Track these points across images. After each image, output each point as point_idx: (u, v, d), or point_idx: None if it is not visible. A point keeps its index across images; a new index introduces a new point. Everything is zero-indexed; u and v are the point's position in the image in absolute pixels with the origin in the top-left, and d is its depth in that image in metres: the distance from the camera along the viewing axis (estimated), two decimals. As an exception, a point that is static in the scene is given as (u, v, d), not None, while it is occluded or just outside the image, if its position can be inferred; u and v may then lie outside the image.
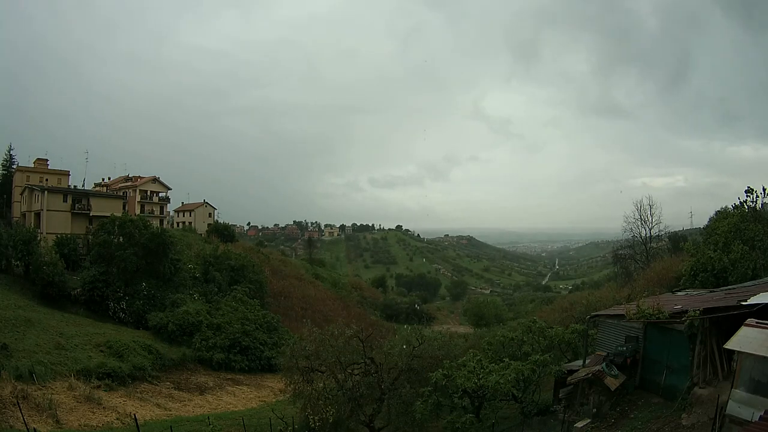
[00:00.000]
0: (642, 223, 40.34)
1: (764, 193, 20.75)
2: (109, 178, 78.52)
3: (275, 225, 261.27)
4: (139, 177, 74.11)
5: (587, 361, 15.12)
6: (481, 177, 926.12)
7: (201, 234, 71.54)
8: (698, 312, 11.55)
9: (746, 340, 9.17)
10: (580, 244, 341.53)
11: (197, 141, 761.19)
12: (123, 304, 38.86)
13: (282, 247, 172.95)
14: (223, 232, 72.22)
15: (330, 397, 17.57)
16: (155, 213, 69.10)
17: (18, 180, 61.12)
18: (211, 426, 18.93)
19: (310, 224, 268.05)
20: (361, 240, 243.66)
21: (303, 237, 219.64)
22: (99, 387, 23.90)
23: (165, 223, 70.63)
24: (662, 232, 42.08)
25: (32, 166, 63.98)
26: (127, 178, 75.39)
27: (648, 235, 40.60)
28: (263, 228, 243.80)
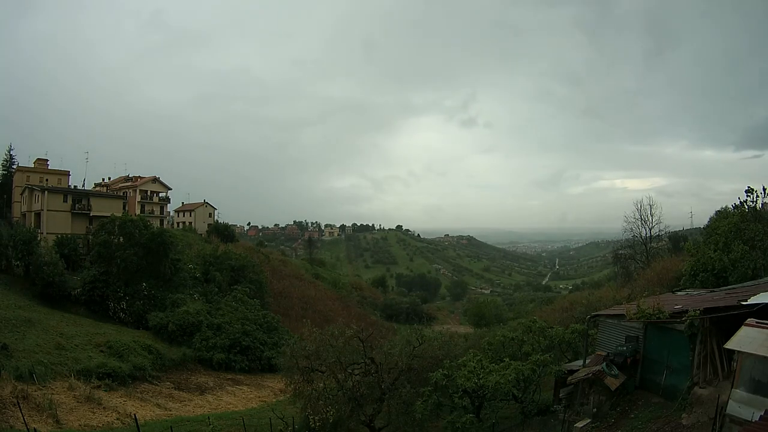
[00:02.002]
0: (642, 223, 40.38)
1: (764, 192, 20.74)
2: (109, 178, 78.61)
3: (275, 225, 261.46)
4: (140, 177, 74.11)
5: (587, 361, 15.11)
6: (468, 179, 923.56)
7: (201, 234, 71.61)
8: (698, 312, 11.54)
9: (746, 339, 9.16)
10: (580, 244, 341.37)
11: (197, 142, 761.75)
12: (123, 304, 38.88)
13: (282, 247, 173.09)
14: (223, 232, 72.31)
15: (330, 397, 17.56)
16: (155, 213, 69.09)
17: (18, 180, 61.13)
18: (212, 426, 18.99)
19: (310, 224, 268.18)
20: (362, 240, 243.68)
21: (303, 237, 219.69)
22: (99, 387, 23.90)
23: (165, 223, 70.63)
24: (662, 232, 42.11)
25: (32, 166, 64.02)
26: (128, 178, 75.37)
27: (648, 235, 40.61)
28: (263, 228, 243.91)
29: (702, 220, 56.25)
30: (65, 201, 54.41)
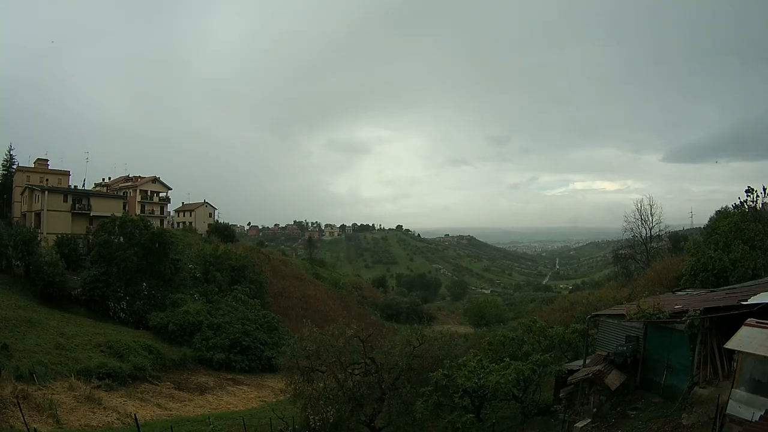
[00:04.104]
0: (642, 223, 40.37)
1: (764, 192, 20.75)
2: (109, 178, 78.57)
3: (276, 225, 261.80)
4: (140, 177, 74.13)
5: (588, 361, 15.10)
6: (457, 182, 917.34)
7: (201, 234, 71.59)
8: (698, 312, 11.53)
9: (746, 339, 9.15)
10: (580, 244, 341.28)
11: (198, 141, 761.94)
12: (123, 304, 38.93)
13: (282, 247, 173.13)
14: (223, 232, 72.32)
15: (330, 397, 17.55)
16: (155, 213, 69.15)
17: (18, 180, 61.13)
18: (212, 426, 19.02)
19: (310, 224, 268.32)
20: (362, 240, 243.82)
21: (303, 237, 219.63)
22: (99, 387, 23.94)
23: (165, 223, 70.67)
24: (663, 232, 42.13)
25: (32, 166, 63.96)
26: (128, 178, 75.40)
27: (648, 234, 40.61)
28: (264, 228, 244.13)
29: (701, 219, 56.39)
30: (65, 201, 54.45)
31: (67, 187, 61.77)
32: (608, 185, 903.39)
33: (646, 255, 40.17)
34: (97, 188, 72.55)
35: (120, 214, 46.51)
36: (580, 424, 12.69)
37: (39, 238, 41.33)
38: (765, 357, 8.65)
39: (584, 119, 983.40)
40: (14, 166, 65.03)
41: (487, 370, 15.41)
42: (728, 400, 9.19)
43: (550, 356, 16.27)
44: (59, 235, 46.01)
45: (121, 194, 66.82)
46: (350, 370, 18.23)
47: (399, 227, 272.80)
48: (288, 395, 19.81)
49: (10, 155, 66.79)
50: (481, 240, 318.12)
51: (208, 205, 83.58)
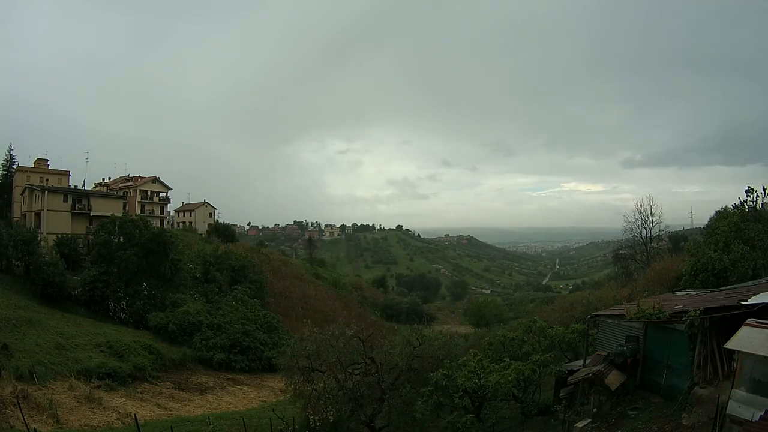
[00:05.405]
0: (642, 223, 40.36)
1: (764, 192, 20.75)
2: (109, 178, 78.54)
3: (276, 225, 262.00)
4: (140, 177, 74.12)
5: (587, 361, 15.11)
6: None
7: (201, 234, 71.66)
8: (698, 312, 11.53)
9: (746, 339, 9.16)
10: (580, 244, 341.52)
11: (198, 142, 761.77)
12: (123, 304, 38.96)
13: (282, 247, 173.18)
14: (223, 232, 72.36)
15: (330, 397, 17.55)
16: (155, 213, 69.13)
17: (18, 180, 61.13)
18: (212, 426, 19.03)
19: (310, 224, 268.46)
20: (362, 240, 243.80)
21: (303, 237, 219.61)
22: (99, 387, 23.96)
23: (165, 223, 70.63)
24: (663, 232, 42.12)
25: (32, 166, 63.97)
26: (128, 178, 75.38)
27: (648, 234, 40.61)
28: (264, 228, 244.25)
29: (701, 219, 56.44)
30: (65, 201, 54.43)
31: (67, 187, 61.74)
32: (592, 187, 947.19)
33: (646, 255, 40.15)
34: (97, 188, 72.48)
35: (120, 214, 46.51)
36: (580, 424, 12.69)
37: (39, 238, 41.33)
38: (765, 357, 8.66)
39: (573, 122, 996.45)
40: (14, 166, 65.01)
41: (487, 370, 15.40)
42: (728, 400, 9.19)
43: (550, 356, 16.26)
44: (59, 235, 46.01)
45: (121, 194, 66.81)
46: (350, 370, 18.22)
47: (399, 227, 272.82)
48: (288, 395, 19.83)
49: (10, 155, 66.85)
50: (481, 240, 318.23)
51: (208, 205, 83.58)
